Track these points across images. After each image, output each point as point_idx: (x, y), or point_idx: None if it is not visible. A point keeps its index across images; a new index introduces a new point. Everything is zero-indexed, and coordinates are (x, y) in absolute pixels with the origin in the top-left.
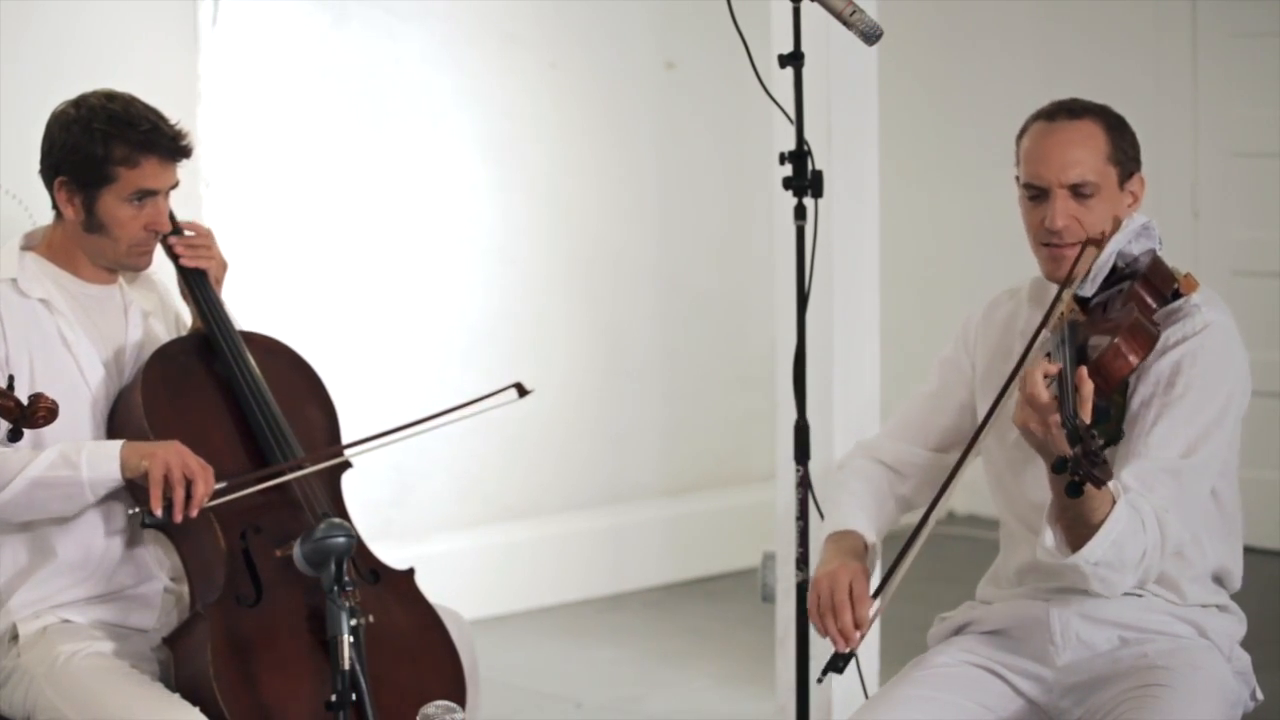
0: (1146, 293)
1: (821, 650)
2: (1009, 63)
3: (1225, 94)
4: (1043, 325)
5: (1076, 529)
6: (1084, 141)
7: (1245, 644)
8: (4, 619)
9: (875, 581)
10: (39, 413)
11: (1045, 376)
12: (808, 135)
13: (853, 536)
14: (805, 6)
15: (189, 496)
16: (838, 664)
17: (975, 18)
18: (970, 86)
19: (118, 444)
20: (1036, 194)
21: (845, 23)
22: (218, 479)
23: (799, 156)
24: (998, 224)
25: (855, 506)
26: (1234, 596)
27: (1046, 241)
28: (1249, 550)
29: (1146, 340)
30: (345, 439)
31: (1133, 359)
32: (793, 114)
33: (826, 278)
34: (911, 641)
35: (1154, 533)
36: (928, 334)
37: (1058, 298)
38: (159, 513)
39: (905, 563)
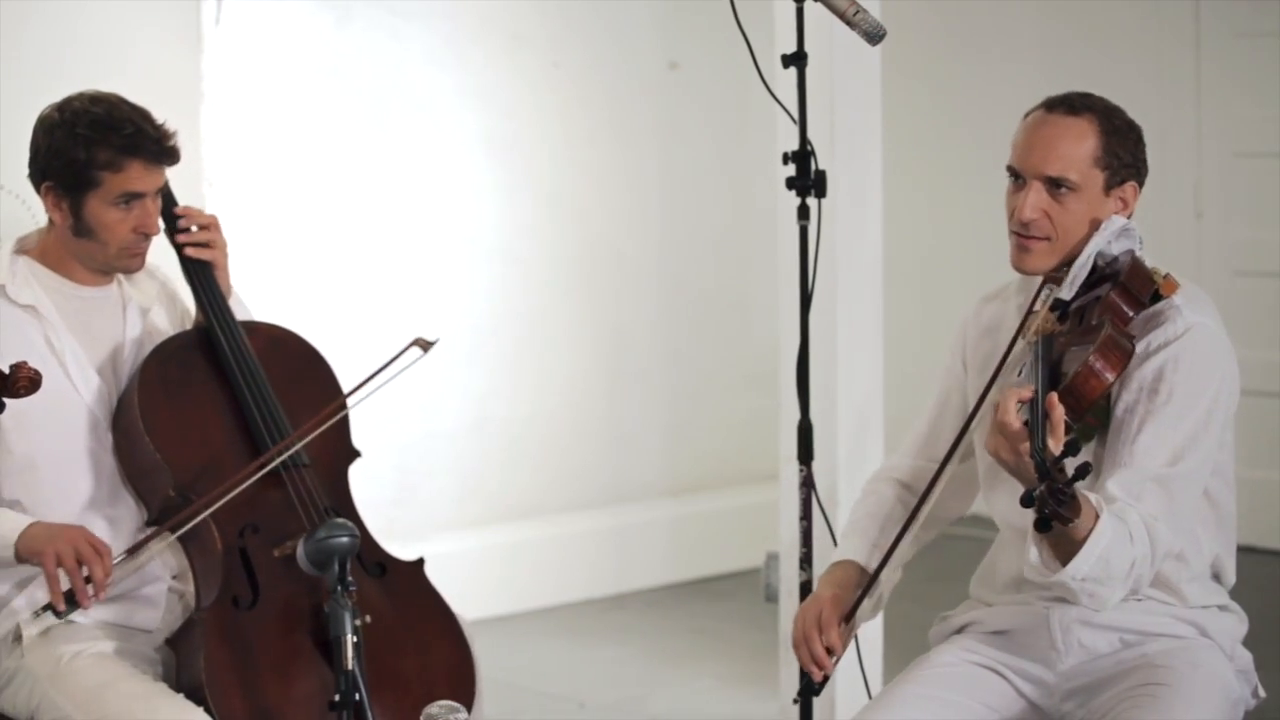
0: (1122, 300)
1: None
2: (1011, 63)
3: (1228, 94)
4: (1015, 339)
5: (1061, 545)
6: (1073, 138)
7: (1247, 642)
8: (7, 620)
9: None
10: (20, 382)
11: (1018, 402)
12: (811, 135)
13: (844, 566)
14: (808, 6)
15: (90, 579)
16: (813, 687)
17: (978, 18)
18: (973, 86)
19: (21, 524)
20: (1017, 179)
21: (848, 23)
22: (219, 478)
23: (802, 156)
24: (1000, 224)
25: (857, 534)
26: (1235, 595)
27: (1015, 230)
28: (1250, 550)
29: (1120, 357)
30: (352, 434)
31: (1107, 377)
32: (796, 114)
33: (830, 278)
34: (914, 641)
35: (1143, 544)
36: (931, 334)
37: (1029, 311)
38: (62, 606)
39: (879, 581)
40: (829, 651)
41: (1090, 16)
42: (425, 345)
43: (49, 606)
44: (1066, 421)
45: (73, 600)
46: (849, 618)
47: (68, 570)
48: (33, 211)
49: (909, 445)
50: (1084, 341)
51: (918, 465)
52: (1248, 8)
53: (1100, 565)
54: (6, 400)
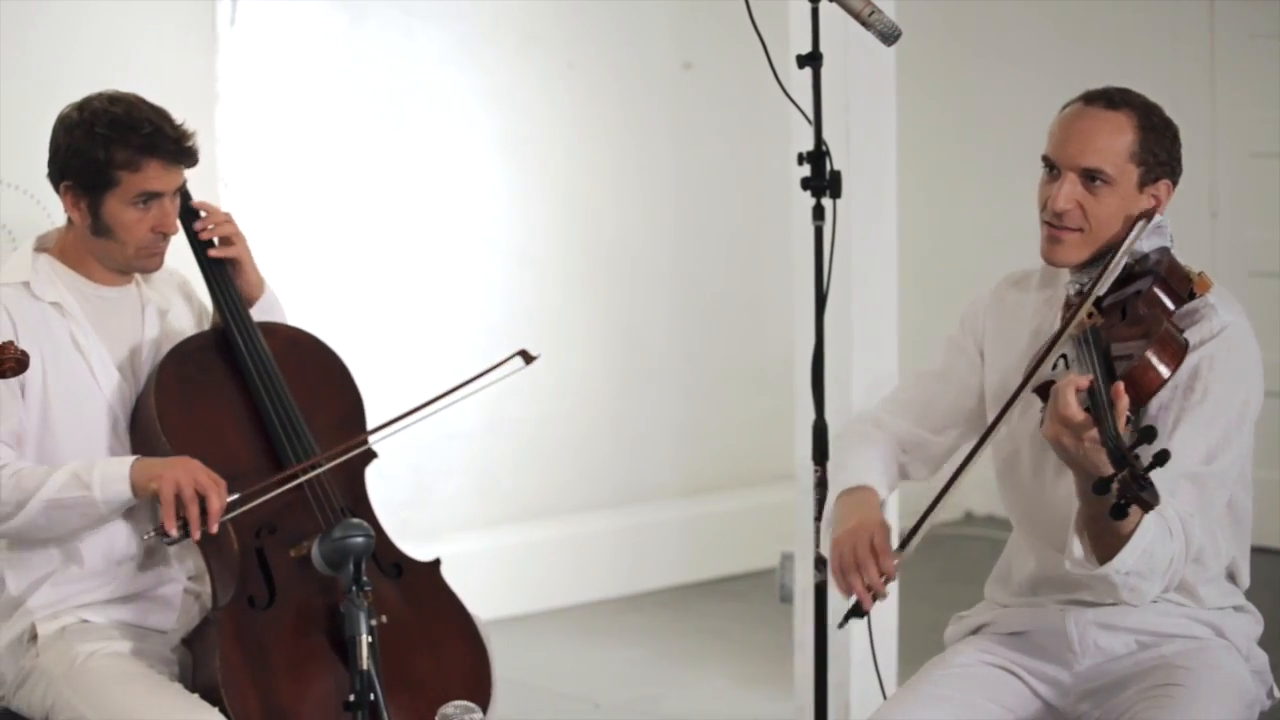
0: (1165, 295)
1: (839, 651)
2: (1026, 64)
3: (1243, 95)
4: (1062, 331)
5: (1105, 539)
6: (1110, 132)
7: (1262, 643)
8: (23, 619)
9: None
10: (6, 362)
11: (1078, 391)
12: (826, 136)
13: (866, 491)
14: (824, 7)
15: (205, 512)
16: (859, 611)
17: (992, 19)
18: (987, 87)
19: (128, 463)
20: (1052, 169)
21: (864, 23)
22: (235, 482)
23: (817, 157)
24: (1016, 224)
25: (864, 464)
26: (1249, 596)
27: (1048, 220)
28: (1263, 551)
29: (1178, 351)
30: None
31: (1165, 371)
32: (811, 114)
33: (845, 278)
34: (929, 642)
35: (1179, 540)
36: (944, 333)
37: (1078, 307)
38: (174, 533)
39: (930, 517)
40: (883, 579)
41: (1105, 17)
42: (528, 358)
43: (160, 531)
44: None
45: (185, 528)
46: (903, 547)
47: (185, 499)
48: (47, 210)
49: (893, 405)
50: (1132, 335)
51: (900, 424)
52: (1263, 9)
53: (1144, 559)
54: None
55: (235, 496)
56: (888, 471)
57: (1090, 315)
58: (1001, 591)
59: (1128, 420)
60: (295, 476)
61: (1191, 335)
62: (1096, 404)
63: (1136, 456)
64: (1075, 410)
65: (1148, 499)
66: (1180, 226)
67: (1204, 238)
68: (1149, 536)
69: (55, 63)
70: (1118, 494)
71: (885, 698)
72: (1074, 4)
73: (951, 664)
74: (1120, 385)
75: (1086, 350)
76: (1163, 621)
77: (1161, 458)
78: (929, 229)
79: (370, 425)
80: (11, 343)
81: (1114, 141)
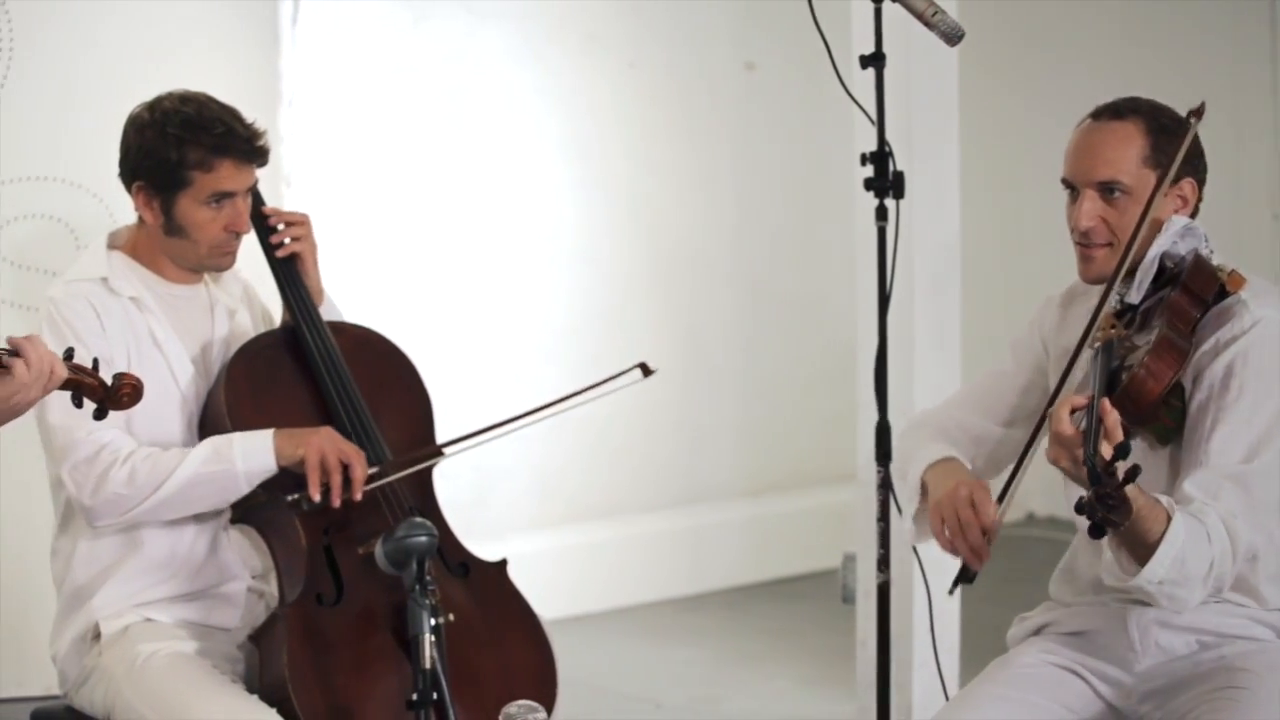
0: (1185, 299)
1: (901, 652)
2: (1088, 63)
3: None
4: (1079, 349)
5: (1136, 550)
6: (1118, 143)
7: None
8: (87, 617)
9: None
10: (123, 390)
11: (1074, 410)
12: (888, 136)
13: (953, 461)
14: (886, 7)
15: (348, 481)
16: (968, 574)
17: (1054, 18)
18: (1050, 86)
19: (269, 434)
20: (1072, 190)
21: (927, 24)
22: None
23: (880, 157)
24: None
25: (942, 446)
26: None
27: (1078, 241)
28: None
29: (1175, 357)
30: (436, 436)
31: (1164, 378)
32: (874, 115)
33: (907, 278)
34: (991, 643)
35: (1221, 543)
36: (1009, 334)
37: (1094, 317)
38: (317, 498)
39: (1025, 465)
40: (985, 536)
41: (1166, 16)
42: (647, 370)
43: (301, 497)
44: (1124, 424)
45: (326, 495)
46: (1001, 499)
47: (330, 466)
48: (109, 209)
49: (961, 400)
50: (1144, 344)
51: (968, 419)
52: None
53: (1176, 567)
54: (112, 411)
55: (374, 470)
56: (964, 456)
57: (1113, 327)
58: (1066, 590)
59: (1129, 433)
60: (424, 459)
61: (1223, 334)
62: (1088, 421)
63: (1112, 474)
64: (1065, 427)
65: (1116, 520)
66: (1241, 227)
67: (1265, 238)
68: (1179, 544)
69: (117, 64)
70: (1088, 514)
71: (947, 699)
72: (1136, 3)
73: (1014, 665)
74: (1106, 401)
75: (1095, 365)
76: (1224, 622)
77: (1132, 474)
78: (992, 229)
79: (438, 425)
80: (126, 373)
81: (1124, 150)
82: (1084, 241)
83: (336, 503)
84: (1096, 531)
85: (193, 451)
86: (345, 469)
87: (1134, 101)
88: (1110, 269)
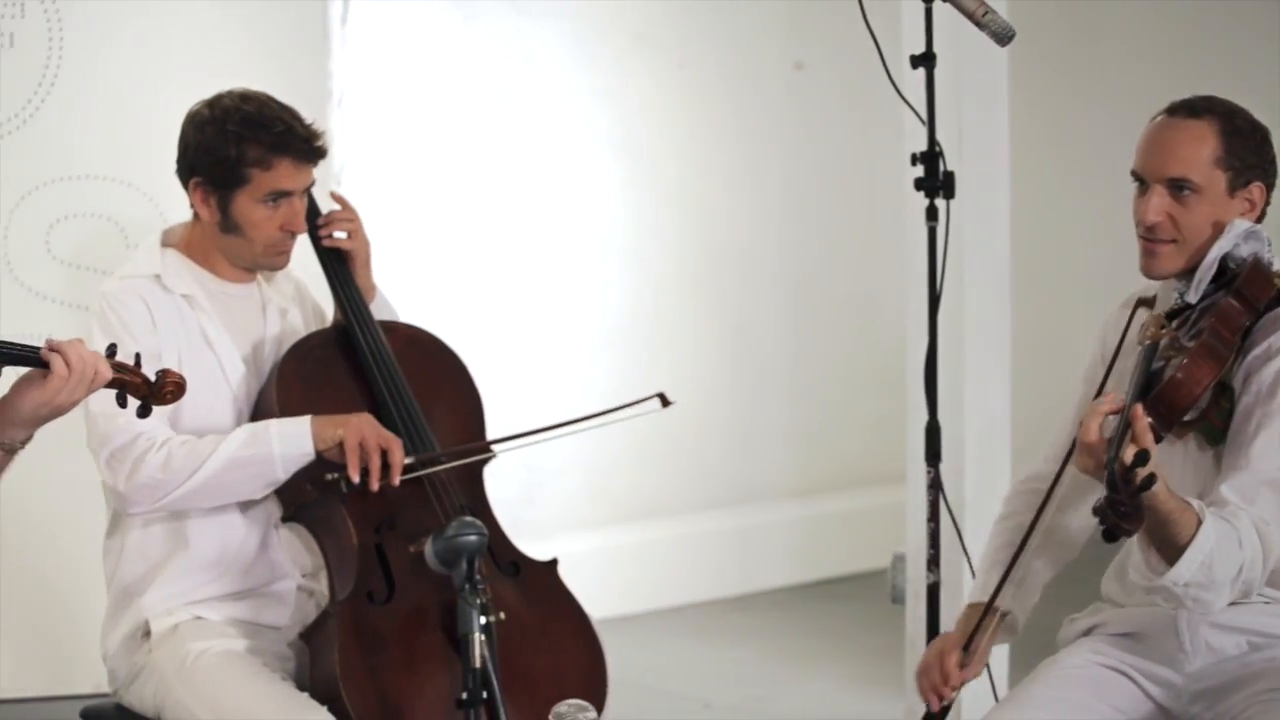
0: (1237, 304)
1: None
2: (1139, 63)
3: None
4: (1117, 351)
5: (1165, 551)
6: (1192, 141)
7: None
8: (137, 614)
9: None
10: (166, 387)
11: (1107, 414)
12: (939, 136)
13: (971, 608)
14: (937, 7)
15: (387, 465)
16: (931, 717)
17: (1106, 18)
18: (1101, 86)
19: (306, 419)
20: (1141, 183)
21: (977, 24)
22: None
23: (931, 157)
24: (1129, 226)
25: (988, 567)
26: None
27: (1142, 235)
28: None
29: (1214, 364)
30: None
31: (1199, 384)
32: (924, 115)
33: (957, 279)
34: (1040, 643)
35: (1252, 548)
36: (1059, 335)
37: (1130, 319)
38: (356, 478)
39: (998, 606)
40: (946, 681)
41: (1218, 16)
42: (665, 401)
43: (340, 477)
44: (1153, 428)
45: (365, 478)
46: (967, 645)
47: (369, 449)
48: (159, 208)
49: (1049, 452)
50: (1186, 348)
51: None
52: None
53: (1203, 571)
54: (155, 407)
55: (412, 459)
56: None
57: (1162, 328)
58: (1118, 589)
59: (1159, 438)
60: (469, 454)
61: (1275, 339)
62: (1118, 426)
63: (1129, 480)
64: (1089, 434)
65: (1128, 527)
66: None
67: None
68: (1207, 547)
69: (167, 62)
70: (1100, 518)
71: (997, 700)
72: (1189, 3)
73: (1063, 665)
74: (1139, 406)
75: (1135, 369)
76: (1274, 623)
77: (1147, 482)
78: (1042, 229)
79: (488, 424)
80: (170, 370)
81: (1197, 150)
82: (1148, 236)
83: (375, 485)
84: (1109, 536)
85: (229, 436)
86: (384, 454)
87: (1211, 101)
88: (1173, 266)
